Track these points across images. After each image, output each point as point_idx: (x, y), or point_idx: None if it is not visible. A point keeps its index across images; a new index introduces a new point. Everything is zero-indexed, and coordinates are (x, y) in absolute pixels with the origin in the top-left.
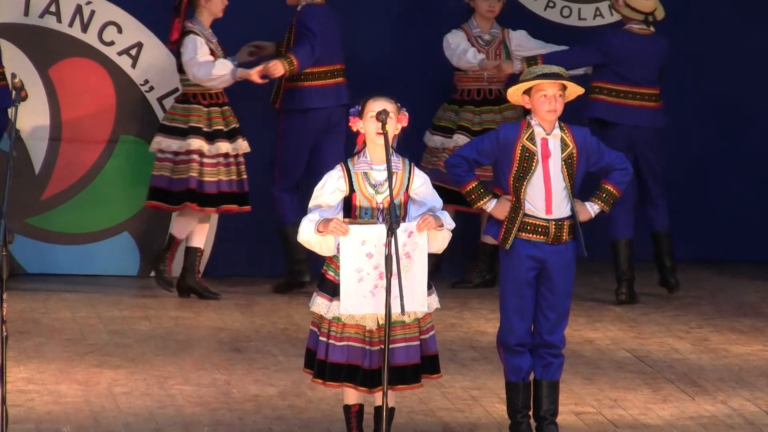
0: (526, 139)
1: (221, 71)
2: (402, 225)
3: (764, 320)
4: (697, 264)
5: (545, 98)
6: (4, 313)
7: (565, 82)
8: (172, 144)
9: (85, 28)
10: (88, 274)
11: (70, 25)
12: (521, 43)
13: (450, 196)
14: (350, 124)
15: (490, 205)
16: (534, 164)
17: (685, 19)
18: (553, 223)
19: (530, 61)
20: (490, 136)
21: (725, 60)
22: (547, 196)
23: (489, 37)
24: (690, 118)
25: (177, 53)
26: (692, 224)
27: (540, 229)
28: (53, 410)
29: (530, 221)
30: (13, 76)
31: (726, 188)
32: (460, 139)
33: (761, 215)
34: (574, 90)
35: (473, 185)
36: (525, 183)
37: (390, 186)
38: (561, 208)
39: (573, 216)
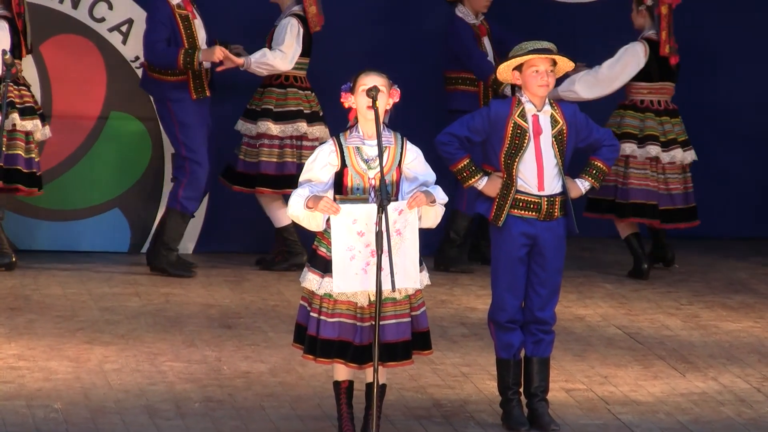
0: (518, 116)
1: None
2: (392, 204)
3: (754, 297)
4: (688, 241)
5: (537, 74)
6: None
7: (555, 56)
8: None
9: (75, 4)
10: (79, 250)
11: (61, 1)
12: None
13: None
14: (342, 100)
15: (482, 183)
16: (526, 141)
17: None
18: (545, 199)
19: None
20: (481, 113)
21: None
22: (539, 172)
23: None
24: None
25: None
26: None
27: (532, 206)
28: (44, 387)
29: (522, 198)
30: (4, 53)
31: (716, 165)
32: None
33: (752, 192)
34: (565, 65)
35: (465, 163)
36: (517, 160)
37: (381, 162)
38: (553, 185)
39: (564, 192)
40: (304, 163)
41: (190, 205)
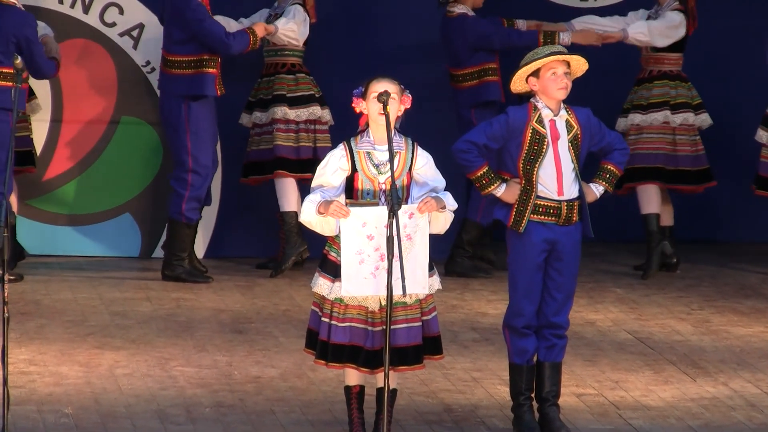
0: (535, 121)
1: None
2: (403, 207)
3: (765, 301)
4: (698, 245)
5: (556, 76)
6: (6, 295)
7: (571, 57)
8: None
9: (86, 9)
10: (90, 255)
11: (72, 6)
12: None
13: None
14: (353, 105)
15: (500, 190)
16: (545, 147)
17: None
18: (565, 204)
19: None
20: (499, 120)
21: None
22: (559, 177)
23: None
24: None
25: None
26: (693, 206)
27: (552, 211)
28: (55, 392)
29: (543, 203)
30: (14, 57)
31: (725, 169)
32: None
33: (762, 196)
34: (579, 66)
35: (484, 170)
36: (537, 165)
37: (392, 168)
38: (571, 189)
39: (581, 197)
40: (319, 148)
41: (194, 215)
